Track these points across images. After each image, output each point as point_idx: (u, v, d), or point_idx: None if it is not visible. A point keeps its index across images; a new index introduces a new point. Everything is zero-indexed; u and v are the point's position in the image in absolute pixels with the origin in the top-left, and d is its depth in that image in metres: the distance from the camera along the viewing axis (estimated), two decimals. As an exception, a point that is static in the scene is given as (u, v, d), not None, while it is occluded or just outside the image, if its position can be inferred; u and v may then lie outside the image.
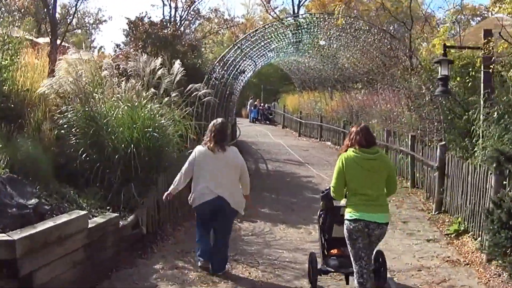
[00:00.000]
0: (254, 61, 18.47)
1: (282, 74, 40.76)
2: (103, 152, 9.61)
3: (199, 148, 7.29)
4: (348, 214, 5.88)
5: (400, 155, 15.98)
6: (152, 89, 10.56)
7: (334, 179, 5.97)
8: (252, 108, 40.72)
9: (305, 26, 18.04)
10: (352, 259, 5.97)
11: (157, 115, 10.28)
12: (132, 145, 9.54)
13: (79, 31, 47.24)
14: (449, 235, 9.68)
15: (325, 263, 6.85)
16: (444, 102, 13.11)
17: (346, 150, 5.98)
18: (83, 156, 9.47)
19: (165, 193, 7.57)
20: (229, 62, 15.32)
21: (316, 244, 8.65)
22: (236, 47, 14.39)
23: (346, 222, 5.91)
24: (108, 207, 8.78)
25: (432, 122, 13.88)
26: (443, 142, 11.78)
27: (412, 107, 15.52)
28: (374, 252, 6.30)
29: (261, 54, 18.81)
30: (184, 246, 8.90)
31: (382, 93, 21.18)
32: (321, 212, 6.98)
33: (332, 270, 6.77)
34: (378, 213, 5.85)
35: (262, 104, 41.15)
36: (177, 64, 11.36)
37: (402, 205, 12.43)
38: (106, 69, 11.20)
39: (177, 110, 11.24)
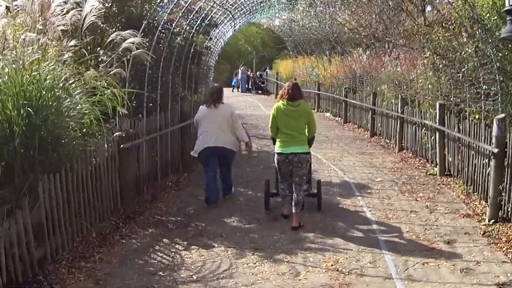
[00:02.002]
0: (231, 13, 14.33)
1: (275, 37, 36.63)
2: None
3: (202, 107, 8.87)
4: (275, 148, 7.74)
5: (423, 130, 12.02)
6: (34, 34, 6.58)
7: (270, 122, 7.78)
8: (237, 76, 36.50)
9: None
10: (279, 180, 7.97)
11: (46, 79, 6.29)
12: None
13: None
14: (533, 272, 5.75)
15: (276, 188, 8.43)
16: (499, 55, 8.98)
17: (279, 101, 7.72)
18: None
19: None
20: (189, 7, 11.18)
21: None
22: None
23: (274, 154, 7.76)
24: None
25: (473, 85, 9.82)
26: (502, 115, 7.76)
27: (441, 66, 11.45)
28: (308, 181, 8.30)
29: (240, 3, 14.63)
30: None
31: (393, 52, 17.16)
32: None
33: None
34: (294, 146, 7.52)
35: (252, 72, 36.79)
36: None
37: (436, 206, 8.50)
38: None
39: (100, 72, 7.33)
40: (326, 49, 24.89)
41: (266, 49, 42.78)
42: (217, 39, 17.32)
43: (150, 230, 7.38)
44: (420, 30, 13.54)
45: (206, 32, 12.93)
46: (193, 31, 11.84)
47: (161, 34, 10.01)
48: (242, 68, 36.58)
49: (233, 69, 42.00)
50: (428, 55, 12.36)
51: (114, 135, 7.70)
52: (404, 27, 16.25)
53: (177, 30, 11.31)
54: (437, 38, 11.34)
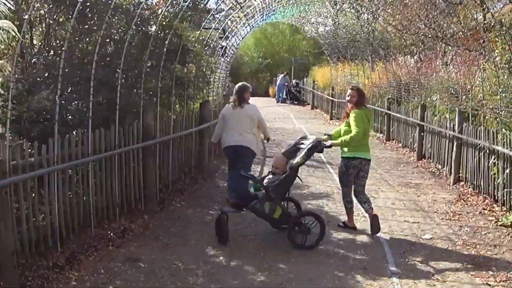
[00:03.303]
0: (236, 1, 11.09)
1: (314, 43, 33.31)
2: None
3: (227, 106, 8.64)
4: (349, 153, 7.14)
5: (492, 159, 8.48)
6: None
7: (360, 128, 6.99)
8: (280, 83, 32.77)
9: None
10: (343, 185, 7.37)
11: None
12: None
13: None
14: None
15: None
16: None
17: (358, 108, 7.16)
18: None
19: (210, 143, 9.24)
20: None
21: None
22: None
23: (346, 160, 7.20)
24: None
25: None
26: None
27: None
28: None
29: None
30: None
31: (447, 54, 13.65)
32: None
33: None
34: (367, 152, 7.26)
35: (287, 81, 33.13)
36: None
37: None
38: None
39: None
40: (368, 54, 21.44)
41: (305, 57, 39.32)
42: (232, 40, 14.14)
43: None
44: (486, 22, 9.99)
45: (189, 16, 9.50)
46: (164, 12, 8.45)
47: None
48: (281, 76, 33.06)
49: (273, 77, 38.68)
50: (500, 51, 8.77)
51: None
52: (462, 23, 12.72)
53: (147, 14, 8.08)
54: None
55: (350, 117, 7.12)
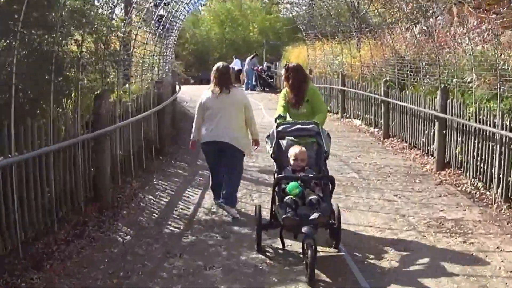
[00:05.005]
0: None
1: (287, 22, 29.18)
2: None
3: (205, 93, 7.12)
4: None
5: None
6: None
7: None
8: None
9: None
10: None
11: None
12: None
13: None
14: None
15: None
16: None
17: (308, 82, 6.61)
18: None
19: (190, 143, 7.39)
20: None
21: None
22: None
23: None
24: None
25: None
26: None
27: None
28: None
29: None
30: None
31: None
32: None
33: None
34: None
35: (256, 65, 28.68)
36: None
37: None
38: None
39: None
40: (353, 28, 17.19)
41: (279, 38, 35.14)
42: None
43: None
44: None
45: None
46: None
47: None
48: (248, 59, 28.64)
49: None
50: None
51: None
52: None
53: None
54: None
55: (313, 94, 6.44)
